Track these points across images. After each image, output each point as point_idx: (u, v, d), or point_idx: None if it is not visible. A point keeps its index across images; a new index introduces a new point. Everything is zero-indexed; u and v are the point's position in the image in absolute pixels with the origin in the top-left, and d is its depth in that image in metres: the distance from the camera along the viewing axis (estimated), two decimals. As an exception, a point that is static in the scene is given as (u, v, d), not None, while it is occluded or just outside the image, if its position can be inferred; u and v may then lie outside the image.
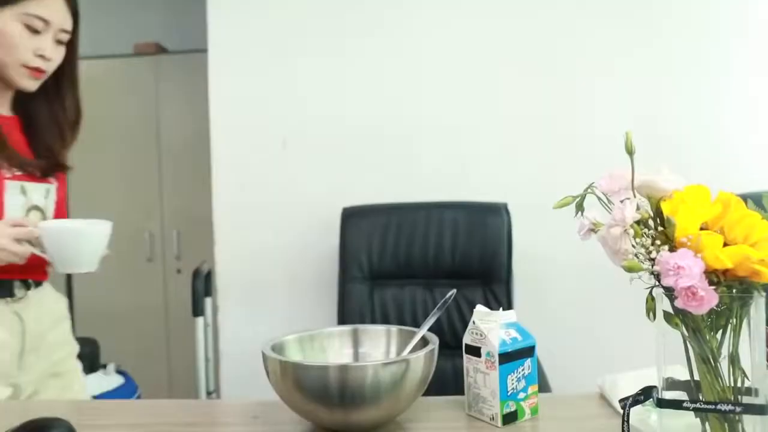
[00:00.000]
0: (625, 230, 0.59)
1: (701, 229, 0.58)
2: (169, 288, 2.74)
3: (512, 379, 0.79)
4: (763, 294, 0.56)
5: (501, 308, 0.86)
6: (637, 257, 0.58)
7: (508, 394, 0.78)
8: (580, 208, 0.63)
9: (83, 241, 1.01)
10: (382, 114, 1.76)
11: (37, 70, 1.06)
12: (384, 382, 0.73)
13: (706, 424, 0.59)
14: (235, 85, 1.81)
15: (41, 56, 1.05)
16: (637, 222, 0.59)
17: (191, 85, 2.50)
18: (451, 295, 0.90)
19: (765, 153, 1.72)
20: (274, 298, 1.76)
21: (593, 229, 0.63)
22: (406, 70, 1.77)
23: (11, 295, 1.08)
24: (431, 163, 1.76)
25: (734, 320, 0.57)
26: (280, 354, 0.81)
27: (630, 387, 0.71)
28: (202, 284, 1.60)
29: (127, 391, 1.78)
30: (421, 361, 0.76)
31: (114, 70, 2.79)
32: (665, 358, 0.61)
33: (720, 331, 0.58)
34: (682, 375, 0.60)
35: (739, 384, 0.57)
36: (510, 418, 0.79)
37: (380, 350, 0.90)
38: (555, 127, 1.75)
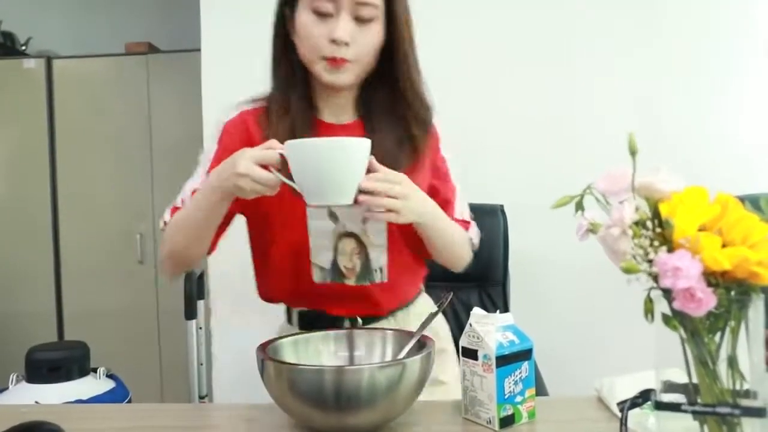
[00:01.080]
0: (624, 231, 0.59)
1: (699, 230, 0.58)
2: (160, 291, 2.71)
3: (509, 382, 0.78)
4: (762, 296, 0.56)
5: (497, 311, 0.85)
6: (635, 258, 0.58)
7: (505, 397, 0.78)
8: (579, 207, 0.63)
9: (337, 159, 0.78)
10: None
11: (334, 60, 0.90)
12: (380, 385, 0.72)
13: (705, 426, 0.58)
14: (229, 85, 1.79)
15: (334, 41, 0.89)
16: (636, 223, 0.59)
17: (183, 84, 2.48)
18: (447, 298, 0.90)
19: (763, 155, 1.73)
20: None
21: (591, 229, 0.63)
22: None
23: None
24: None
25: (732, 322, 0.57)
26: (275, 357, 0.80)
27: (628, 390, 0.71)
28: (195, 287, 1.58)
29: (117, 395, 1.75)
30: (417, 364, 0.75)
31: (105, 70, 2.77)
32: (663, 360, 0.61)
33: (718, 334, 0.57)
34: (681, 378, 0.59)
35: (737, 387, 0.57)
36: (507, 421, 0.78)
37: (376, 353, 0.89)
38: (552, 128, 1.75)
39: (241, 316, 1.75)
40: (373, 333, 0.92)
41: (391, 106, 0.97)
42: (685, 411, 0.58)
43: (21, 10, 3.08)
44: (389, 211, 0.83)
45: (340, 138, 0.84)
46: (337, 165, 0.78)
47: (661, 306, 0.58)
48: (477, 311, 0.83)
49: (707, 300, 0.53)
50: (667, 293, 0.56)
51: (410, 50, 0.95)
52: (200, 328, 1.60)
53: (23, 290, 2.72)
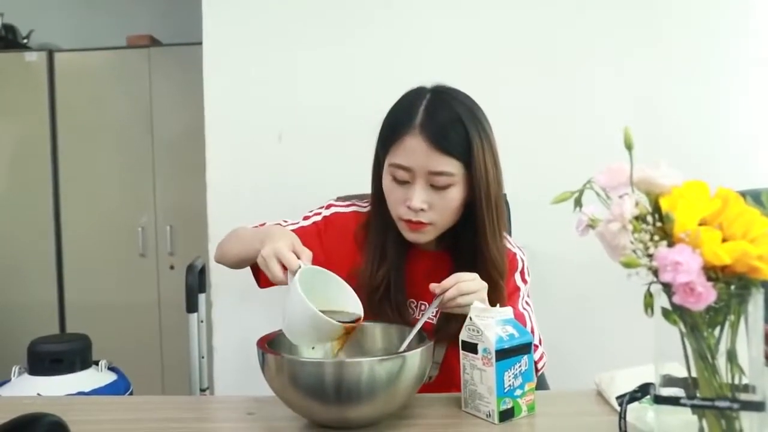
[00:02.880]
0: (624, 226, 0.59)
1: (700, 224, 0.57)
2: (162, 284, 2.72)
3: (509, 376, 0.78)
4: (761, 290, 0.56)
5: (498, 304, 0.85)
6: (635, 253, 0.58)
7: (505, 390, 0.78)
8: (578, 203, 0.63)
9: (314, 328, 0.78)
10: (379, 107, 1.74)
11: (410, 222, 0.94)
12: (380, 378, 0.72)
13: (703, 421, 0.59)
14: (230, 78, 1.80)
15: (410, 208, 0.93)
16: (636, 217, 0.59)
17: (185, 77, 2.47)
18: (444, 292, 0.89)
19: (763, 150, 1.73)
20: (269, 294, 1.74)
21: (591, 224, 0.63)
22: (404, 62, 1.76)
23: None
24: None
25: (732, 317, 0.57)
26: (276, 350, 0.80)
27: (627, 384, 0.71)
28: (196, 280, 1.58)
29: (119, 387, 1.76)
30: (417, 358, 0.75)
31: (107, 63, 2.76)
32: (663, 354, 0.61)
33: (718, 328, 0.57)
34: (680, 372, 0.59)
35: (736, 381, 0.57)
36: (506, 415, 0.78)
37: (376, 346, 0.89)
38: (555, 121, 1.75)
39: (242, 310, 1.75)
40: (373, 326, 0.92)
41: (473, 248, 0.98)
42: (684, 405, 0.58)
43: (22, 2, 3.08)
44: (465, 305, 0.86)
45: (326, 317, 0.79)
46: (309, 329, 0.79)
47: (661, 300, 0.58)
48: (477, 305, 0.83)
49: (707, 294, 0.53)
50: (667, 287, 0.56)
51: (488, 211, 0.95)
52: (201, 321, 1.61)
53: (25, 283, 2.73)
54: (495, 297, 0.93)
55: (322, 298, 0.77)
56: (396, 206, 0.96)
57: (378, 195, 1.01)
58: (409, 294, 1.01)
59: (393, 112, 1.00)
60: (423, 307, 1.01)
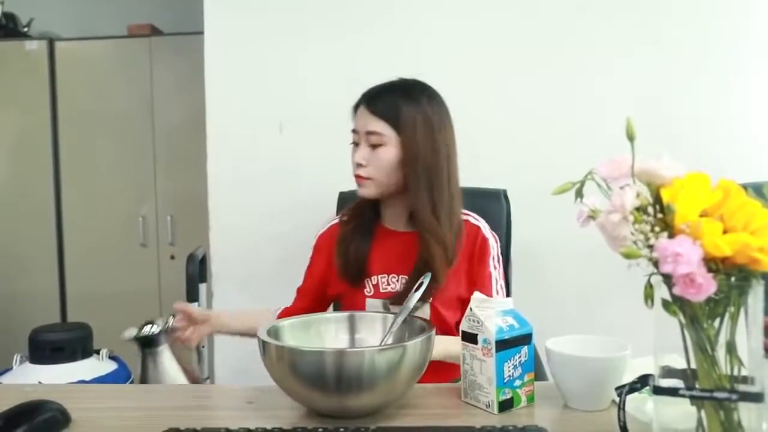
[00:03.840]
0: (625, 217, 0.59)
1: (701, 216, 0.57)
2: (162, 274, 2.72)
3: (509, 367, 0.79)
4: (762, 282, 0.56)
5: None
6: (636, 244, 0.58)
7: (505, 381, 0.78)
8: (579, 194, 0.63)
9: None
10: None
11: (357, 176, 1.12)
12: (380, 367, 0.73)
13: (702, 411, 0.59)
14: (231, 68, 1.79)
15: (355, 164, 1.12)
16: (637, 208, 0.59)
17: (186, 67, 2.47)
18: (425, 277, 0.90)
19: (764, 143, 1.72)
20: (270, 284, 1.74)
21: (592, 216, 0.62)
22: (407, 56, 1.75)
23: None
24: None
25: (732, 308, 0.57)
26: (276, 339, 0.80)
27: (627, 375, 0.71)
28: (197, 269, 1.59)
29: (120, 376, 1.77)
30: (417, 347, 0.76)
31: (107, 52, 2.75)
32: (662, 346, 0.61)
33: (717, 319, 0.58)
34: (679, 363, 0.60)
35: (735, 372, 0.57)
36: (506, 405, 0.79)
37: (377, 336, 0.90)
38: (555, 114, 1.75)
39: (242, 299, 1.76)
40: (374, 316, 0.93)
41: (429, 223, 1.11)
42: (683, 396, 0.58)
43: (23, -9, 3.06)
44: None
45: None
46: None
47: (661, 291, 0.58)
48: (477, 295, 0.83)
49: (707, 286, 0.53)
50: (668, 279, 0.56)
51: (423, 174, 1.10)
52: (202, 310, 1.61)
53: (27, 272, 2.74)
54: (450, 257, 1.08)
55: None
56: (352, 165, 1.13)
57: None
58: (384, 269, 1.16)
59: None
60: (397, 280, 1.15)
